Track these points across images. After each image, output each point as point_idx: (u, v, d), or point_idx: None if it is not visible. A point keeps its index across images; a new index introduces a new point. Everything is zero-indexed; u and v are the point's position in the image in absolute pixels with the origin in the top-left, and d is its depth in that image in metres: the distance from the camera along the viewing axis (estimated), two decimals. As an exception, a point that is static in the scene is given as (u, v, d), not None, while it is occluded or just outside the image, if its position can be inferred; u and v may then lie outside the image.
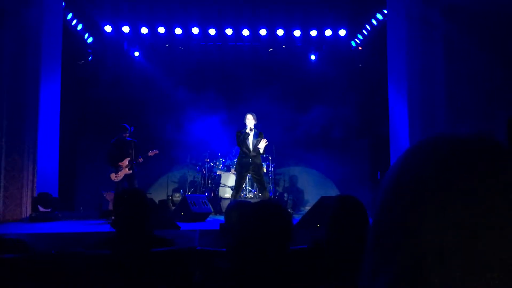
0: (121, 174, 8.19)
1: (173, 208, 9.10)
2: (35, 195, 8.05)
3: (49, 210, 7.99)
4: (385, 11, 9.33)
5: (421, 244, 0.43)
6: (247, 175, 7.94)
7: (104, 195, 8.62)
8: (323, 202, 6.32)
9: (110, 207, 8.18)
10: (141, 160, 8.29)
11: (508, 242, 0.40)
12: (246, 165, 7.55)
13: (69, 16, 9.99)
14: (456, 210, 0.42)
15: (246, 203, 1.77)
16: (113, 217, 7.11)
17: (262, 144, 7.53)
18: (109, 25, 11.01)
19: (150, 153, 8.50)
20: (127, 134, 8.31)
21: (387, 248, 0.46)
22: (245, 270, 1.61)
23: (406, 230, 0.44)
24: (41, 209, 7.92)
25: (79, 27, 10.60)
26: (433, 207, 0.43)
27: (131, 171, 8.30)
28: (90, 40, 11.33)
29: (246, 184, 9.80)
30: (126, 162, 8.24)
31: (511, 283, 0.39)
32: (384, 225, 0.48)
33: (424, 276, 0.42)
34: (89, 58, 11.43)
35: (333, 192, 11.07)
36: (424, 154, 0.48)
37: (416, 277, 0.42)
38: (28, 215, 7.89)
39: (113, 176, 8.23)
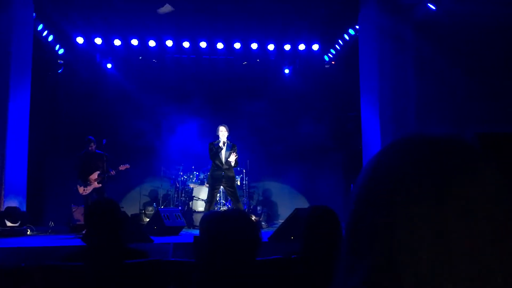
0: (89, 188, 8.02)
1: (146, 221, 8.97)
2: (2, 209, 7.81)
3: (17, 224, 7.76)
4: (357, 27, 9.52)
5: (393, 241, 0.43)
6: (219, 188, 7.90)
7: (73, 209, 8.43)
8: (297, 214, 6.34)
9: (81, 221, 8.00)
10: (113, 173, 8.14)
11: (475, 238, 0.41)
12: (218, 178, 7.51)
13: (40, 27, 9.82)
14: (427, 208, 0.43)
15: (219, 214, 1.76)
16: (84, 232, 6.97)
17: (233, 158, 7.50)
18: (81, 36, 10.87)
19: (121, 168, 8.36)
20: (94, 147, 8.16)
21: (362, 246, 0.46)
22: (215, 281, 1.60)
23: (379, 228, 0.45)
24: (9, 223, 7.68)
25: (50, 38, 10.43)
26: (404, 205, 0.44)
27: (100, 184, 8.14)
28: (61, 51, 11.16)
29: (220, 197, 9.75)
30: (95, 175, 8.09)
31: (478, 276, 0.40)
32: (358, 224, 0.48)
33: (396, 271, 0.43)
34: (60, 71, 11.24)
35: (306, 205, 11.10)
36: (396, 154, 0.49)
37: (389, 271, 0.43)
38: (-6, 230, 7.64)
39: (80, 189, 8.04)
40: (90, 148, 8.08)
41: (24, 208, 8.38)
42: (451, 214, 0.43)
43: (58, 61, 11.22)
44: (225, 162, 7.52)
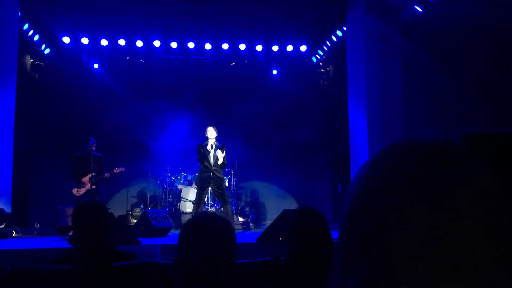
0: (83, 190, 7.96)
1: (134, 223, 8.91)
2: (-14, 211, 7.70)
3: (2, 226, 7.66)
4: (345, 28, 9.57)
5: (389, 247, 0.43)
6: (208, 189, 7.87)
7: (65, 211, 8.33)
8: (285, 215, 6.35)
9: (69, 222, 7.93)
10: (107, 175, 8.08)
11: (469, 242, 0.41)
12: (207, 179, 7.49)
13: (26, 26, 9.71)
14: (422, 213, 0.43)
15: (191, 219, 1.76)
16: (70, 233, 6.91)
17: (220, 154, 7.46)
18: (67, 36, 10.77)
19: (116, 170, 8.31)
20: (93, 148, 8.09)
21: (356, 252, 0.46)
22: (192, 284, 1.59)
23: (373, 234, 0.45)
24: (-7, 225, 7.58)
25: (36, 37, 10.32)
26: (400, 211, 0.44)
27: (94, 186, 8.08)
28: (47, 51, 11.05)
29: (208, 198, 9.73)
30: (88, 177, 8.03)
31: (473, 279, 0.41)
32: (353, 230, 0.48)
33: (392, 276, 0.43)
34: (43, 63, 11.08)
35: (294, 206, 11.13)
36: (388, 160, 0.49)
37: (385, 277, 0.43)
38: (-21, 232, 7.53)
39: (75, 190, 7.99)
40: (88, 150, 8.00)
41: (9, 210, 8.26)
42: (444, 218, 0.43)
43: (45, 61, 11.09)
44: (213, 164, 7.50)
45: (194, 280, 1.58)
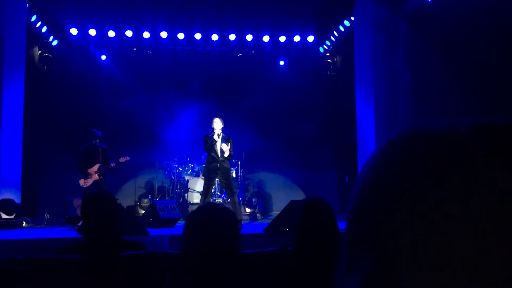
0: (90, 181, 8.01)
1: (142, 213, 8.98)
2: (-4, 201, 7.80)
3: (12, 217, 7.75)
4: (352, 18, 9.50)
5: (394, 240, 0.43)
6: (215, 180, 7.89)
7: (73, 202, 8.41)
8: (292, 206, 6.36)
9: (78, 213, 8.00)
10: (113, 165, 8.11)
11: (481, 240, 0.41)
12: (214, 170, 7.50)
13: (33, 18, 9.74)
14: (428, 206, 0.42)
15: (196, 210, 1.78)
16: (79, 223, 6.97)
17: (225, 148, 7.47)
18: (75, 27, 10.79)
19: (121, 160, 8.34)
20: (97, 140, 8.12)
21: (362, 245, 0.46)
22: (199, 274, 1.61)
23: (380, 227, 0.45)
24: (4, 216, 7.68)
25: (44, 29, 10.35)
26: (406, 203, 0.43)
27: (100, 177, 8.12)
28: (55, 43, 11.08)
29: (215, 189, 9.76)
30: (95, 168, 8.06)
31: (480, 275, 0.40)
32: (358, 222, 0.48)
33: (397, 270, 0.42)
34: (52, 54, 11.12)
35: (300, 197, 11.13)
36: (395, 151, 0.49)
37: (389, 271, 0.43)
38: (-11, 223, 7.63)
39: (81, 182, 8.03)
40: (94, 141, 8.04)
41: (19, 201, 8.37)
42: (453, 211, 0.43)
43: (53, 52, 11.13)
44: (220, 154, 7.51)
45: (199, 271, 1.60)
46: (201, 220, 1.67)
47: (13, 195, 8.22)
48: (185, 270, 1.64)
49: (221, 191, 9.93)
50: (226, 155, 7.50)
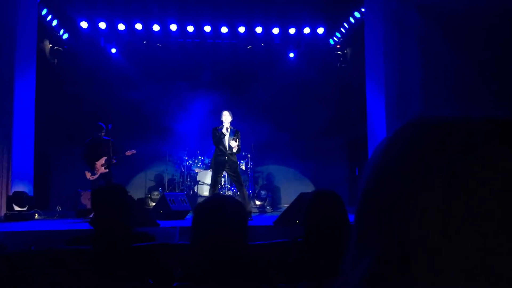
0: (97, 174, 8.07)
1: (152, 206, 9.03)
2: (9, 194, 7.89)
3: (24, 209, 7.84)
4: (363, 10, 9.42)
5: (404, 228, 0.42)
6: (223, 173, 7.90)
7: (81, 194, 8.50)
8: (302, 198, 6.35)
9: (88, 205, 8.07)
10: (114, 161, 8.15)
11: (494, 235, 0.40)
12: (222, 163, 7.50)
13: (44, 11, 9.79)
14: (438, 195, 0.42)
15: (204, 201, 1.78)
16: (91, 216, 7.04)
17: (234, 144, 7.46)
18: (85, 21, 10.83)
19: (128, 153, 8.37)
20: (103, 133, 8.15)
21: (371, 232, 0.46)
22: (206, 264, 1.61)
23: (388, 218, 0.44)
24: (16, 208, 7.77)
25: (54, 23, 10.40)
26: (416, 191, 0.43)
27: (107, 170, 8.18)
28: (65, 36, 11.14)
29: (225, 181, 9.79)
30: (102, 161, 8.11)
31: (489, 261, 0.40)
32: (366, 212, 0.48)
33: (404, 265, 0.42)
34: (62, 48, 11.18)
35: (310, 190, 11.11)
36: (405, 138, 0.48)
37: (398, 259, 0.42)
38: (2, 215, 7.73)
39: (88, 174, 8.08)
40: (99, 135, 8.08)
41: (31, 193, 8.46)
42: (464, 204, 0.42)
43: (64, 46, 11.19)
44: (228, 148, 7.50)
45: (207, 262, 1.61)
46: (208, 211, 1.68)
47: (25, 188, 8.31)
48: (194, 262, 1.65)
49: (230, 184, 9.95)
50: (234, 150, 7.49)
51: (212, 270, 1.60)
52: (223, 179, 9.53)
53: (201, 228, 1.66)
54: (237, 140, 7.52)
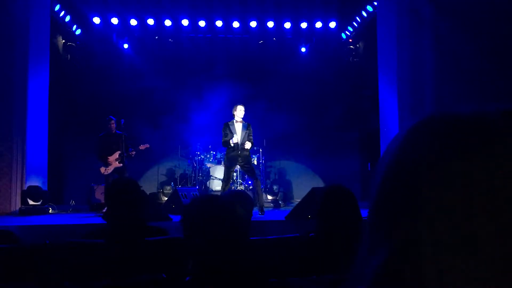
0: (110, 168, 8.11)
1: (164, 200, 9.09)
2: (24, 188, 7.98)
3: (39, 203, 7.94)
4: (375, 3, 9.34)
5: (417, 224, 0.42)
6: (235, 168, 7.88)
7: (95, 188, 8.57)
8: (314, 193, 6.35)
9: (101, 200, 8.14)
10: (133, 153, 8.18)
11: (502, 226, 0.39)
12: (234, 159, 7.48)
13: (57, 7, 9.86)
14: (453, 191, 0.41)
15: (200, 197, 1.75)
16: (104, 210, 7.10)
17: (248, 145, 7.43)
18: (98, 16, 10.89)
19: (141, 147, 8.41)
20: (115, 127, 8.18)
21: (385, 228, 0.45)
22: (208, 259, 1.61)
23: (401, 215, 0.44)
24: (31, 202, 7.87)
25: (67, 18, 10.47)
26: (430, 188, 0.42)
27: (121, 164, 8.22)
28: (78, 32, 11.21)
29: (237, 176, 9.80)
30: (116, 155, 8.15)
31: (504, 263, 0.39)
32: (382, 206, 0.47)
33: (416, 264, 0.41)
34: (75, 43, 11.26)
35: (322, 184, 11.10)
36: (420, 135, 0.47)
37: (411, 255, 0.42)
38: (17, 209, 7.83)
39: (102, 169, 8.13)
40: (110, 127, 8.10)
41: (45, 188, 8.56)
42: (482, 203, 0.41)
43: (76, 42, 11.27)
44: (241, 142, 7.47)
45: (202, 260, 1.60)
46: (196, 216, 1.66)
47: (39, 182, 8.41)
48: (192, 258, 1.65)
49: (243, 179, 9.97)
50: (247, 147, 7.44)
51: (211, 268, 1.59)
52: (235, 174, 9.54)
53: (192, 229, 1.65)
54: (250, 136, 7.49)
